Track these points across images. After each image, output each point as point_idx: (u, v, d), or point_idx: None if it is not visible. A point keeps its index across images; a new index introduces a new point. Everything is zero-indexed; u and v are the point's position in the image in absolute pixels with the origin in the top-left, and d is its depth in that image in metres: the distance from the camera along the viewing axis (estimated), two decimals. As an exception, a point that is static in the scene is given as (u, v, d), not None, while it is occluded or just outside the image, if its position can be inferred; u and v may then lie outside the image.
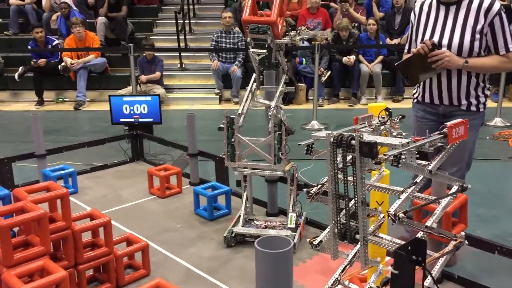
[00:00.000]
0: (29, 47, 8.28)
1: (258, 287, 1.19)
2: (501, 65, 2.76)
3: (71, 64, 8.05)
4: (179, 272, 3.03)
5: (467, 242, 1.89)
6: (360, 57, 8.00)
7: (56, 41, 8.41)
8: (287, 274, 1.17)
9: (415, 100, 3.03)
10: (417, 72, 2.80)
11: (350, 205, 1.90)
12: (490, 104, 7.24)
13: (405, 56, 3.01)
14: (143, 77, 7.72)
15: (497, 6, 2.68)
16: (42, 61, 8.11)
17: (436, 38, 2.75)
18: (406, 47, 3.04)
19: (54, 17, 9.20)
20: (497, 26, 2.68)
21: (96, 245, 2.86)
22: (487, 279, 2.78)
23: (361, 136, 1.68)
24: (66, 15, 8.85)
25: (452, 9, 2.75)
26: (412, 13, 2.98)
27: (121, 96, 5.42)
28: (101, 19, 8.93)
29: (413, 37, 2.94)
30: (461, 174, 2.93)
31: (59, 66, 8.15)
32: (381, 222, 2.06)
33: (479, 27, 2.68)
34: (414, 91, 3.05)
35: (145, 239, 3.13)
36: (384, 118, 2.07)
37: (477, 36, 2.69)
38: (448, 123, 1.81)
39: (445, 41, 2.74)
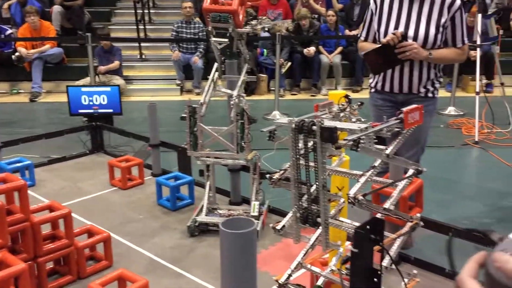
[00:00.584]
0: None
1: (223, 268, 1.21)
2: (457, 57, 2.93)
3: (27, 54, 7.77)
4: (142, 263, 3.02)
5: (422, 224, 1.96)
6: (320, 48, 8.11)
7: (9, 31, 8.09)
8: (251, 254, 1.19)
9: (373, 90, 3.08)
10: (382, 62, 2.85)
11: (312, 190, 1.95)
12: (444, 94, 7.57)
13: (362, 44, 3.06)
14: (102, 68, 7.55)
15: (459, 1, 2.79)
16: None
17: (401, 30, 2.78)
18: (363, 34, 3.06)
19: (5, 5, 8.84)
20: (458, 20, 2.81)
21: (56, 237, 2.81)
22: (442, 260, 2.90)
23: (322, 122, 1.72)
24: (23, 2, 8.51)
25: (417, 1, 2.82)
26: (372, 2, 2.98)
27: (79, 87, 5.30)
28: (56, 8, 8.66)
29: (375, 26, 2.97)
30: (417, 157, 3.05)
31: (13, 56, 7.85)
32: (341, 207, 2.12)
33: (443, 20, 2.78)
34: (371, 81, 3.10)
35: (107, 231, 3.09)
36: (343, 105, 2.12)
37: (441, 29, 2.79)
38: (404, 109, 1.88)
39: (411, 33, 2.80)
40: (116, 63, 7.71)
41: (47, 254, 2.66)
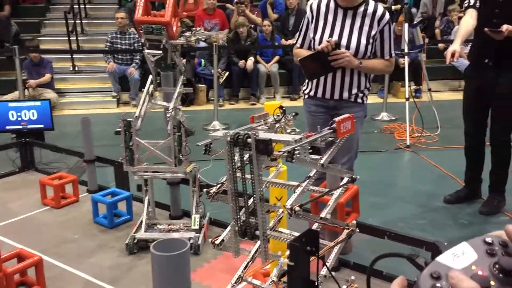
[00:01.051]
0: None
1: (156, 291, 1.17)
2: (384, 68, 3.09)
3: None
4: (78, 285, 2.89)
5: (358, 230, 2.01)
6: (258, 57, 8.19)
7: None
8: (184, 276, 1.16)
9: (307, 96, 3.18)
10: (316, 68, 2.96)
11: (250, 202, 1.94)
12: (377, 100, 7.85)
13: (298, 51, 3.15)
14: (32, 82, 7.20)
15: (388, 16, 2.97)
16: None
17: (334, 39, 2.90)
18: (299, 41, 3.15)
19: None
20: (386, 34, 2.98)
21: (-18, 264, 2.63)
22: (380, 263, 2.98)
23: (257, 134, 1.72)
24: None
25: (350, 13, 2.95)
26: (308, 9, 3.11)
27: (6, 102, 5.02)
28: (-20, 19, 8.21)
29: (310, 34, 3.07)
30: (351, 163, 3.16)
31: None
32: (280, 217, 2.13)
33: (373, 32, 2.94)
34: (305, 88, 3.20)
35: (39, 254, 2.94)
36: (278, 116, 2.14)
37: (371, 40, 2.94)
38: (336, 119, 1.92)
39: (343, 42, 2.93)
40: (47, 77, 7.39)
41: (-28, 283, 2.48)
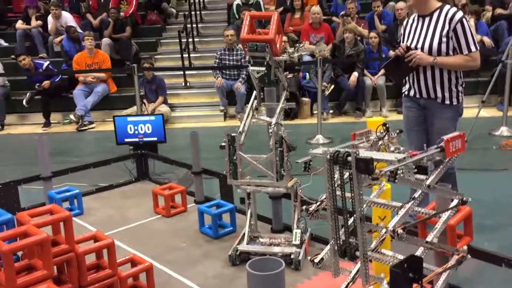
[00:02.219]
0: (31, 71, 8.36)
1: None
2: (465, 63, 3.34)
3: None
4: (184, 292, 3.02)
5: (470, 256, 1.86)
6: (364, 70, 8.00)
7: (45, 63, 8.46)
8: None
9: (404, 95, 3.66)
10: (398, 70, 3.52)
11: (350, 221, 1.89)
12: (496, 113, 7.27)
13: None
14: (150, 108, 7.74)
15: (458, 15, 3.30)
16: (46, 83, 8.19)
17: (414, 44, 3.43)
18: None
19: (58, 39, 9.33)
20: (459, 31, 3.28)
21: (100, 267, 2.85)
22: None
23: (357, 153, 1.67)
24: (75, 38, 8.96)
25: (426, 20, 3.42)
26: (402, 27, 3.71)
27: (125, 116, 5.46)
28: (105, 41, 9.05)
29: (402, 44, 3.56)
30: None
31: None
32: (383, 238, 2.05)
33: (444, 32, 3.31)
34: (404, 88, 3.66)
35: (150, 259, 3.13)
36: (382, 133, 2.06)
37: (444, 39, 3.30)
38: (445, 137, 1.80)
39: (419, 45, 3.40)
40: (160, 99, 7.93)
41: (91, 284, 2.70)
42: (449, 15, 3.29)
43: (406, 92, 3.60)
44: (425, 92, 3.40)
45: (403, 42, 3.52)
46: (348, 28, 7.82)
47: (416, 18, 3.50)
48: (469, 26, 3.33)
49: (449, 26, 3.28)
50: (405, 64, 3.38)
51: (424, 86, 3.40)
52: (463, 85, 3.43)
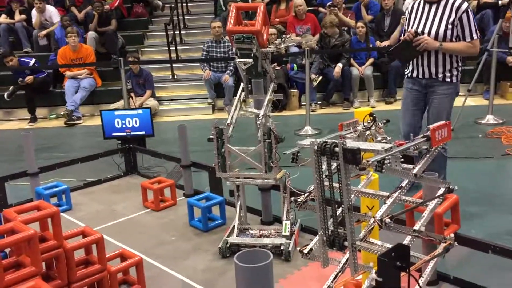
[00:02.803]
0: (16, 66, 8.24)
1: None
2: (466, 49, 3.69)
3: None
4: (174, 286, 3.02)
5: (457, 244, 1.88)
6: (351, 60, 8.02)
7: (32, 61, 8.33)
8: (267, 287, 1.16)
9: (406, 76, 3.97)
10: (406, 54, 3.81)
11: (339, 212, 1.90)
12: (482, 101, 7.34)
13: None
14: (137, 102, 7.67)
15: (465, 5, 3.62)
16: (29, 79, 8.05)
17: (420, 29, 3.71)
18: (402, 37, 3.91)
19: (41, 34, 9.22)
20: (465, 20, 3.61)
21: (90, 262, 2.84)
22: (484, 279, 2.77)
23: (344, 143, 1.68)
24: (67, 26, 8.80)
25: (433, 6, 3.71)
26: (406, 10, 4.00)
27: (113, 111, 5.41)
28: (91, 34, 8.94)
29: (406, 28, 3.88)
30: None
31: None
32: (371, 227, 2.06)
33: (451, 20, 3.62)
34: (406, 70, 3.98)
35: (139, 254, 3.12)
36: (369, 123, 2.07)
37: (449, 26, 3.62)
38: (431, 126, 1.81)
39: (426, 30, 3.70)
40: (148, 93, 7.86)
41: (81, 280, 2.69)
42: (456, 5, 3.60)
43: (410, 74, 3.90)
44: (427, 73, 3.73)
45: (408, 26, 3.81)
46: (325, 24, 7.78)
47: (422, 3, 3.76)
48: (473, 15, 3.65)
49: (456, 15, 3.59)
50: (413, 48, 3.66)
51: (427, 68, 3.72)
52: (460, 68, 3.81)
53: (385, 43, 8.06)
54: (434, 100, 3.81)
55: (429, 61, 3.72)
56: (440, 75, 3.72)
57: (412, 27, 3.77)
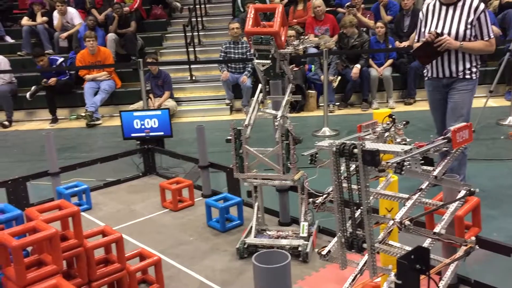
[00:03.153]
0: (38, 68, 8.41)
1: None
2: (485, 48, 3.82)
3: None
4: (192, 286, 3.04)
5: (478, 247, 1.85)
6: (370, 61, 7.96)
7: (60, 60, 8.50)
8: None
9: (426, 78, 4.07)
10: (426, 55, 3.86)
11: (357, 214, 1.89)
12: (504, 102, 7.21)
13: (415, 45, 4.03)
14: (156, 103, 7.74)
15: (482, 6, 3.78)
16: (52, 81, 8.22)
17: (439, 29, 3.80)
18: (416, 38, 4.11)
19: (63, 35, 9.37)
20: (482, 20, 3.77)
21: (109, 261, 2.88)
22: (505, 283, 2.72)
23: (363, 145, 1.67)
24: (92, 27, 8.94)
25: (451, 8, 3.83)
26: (421, 12, 4.07)
27: (132, 112, 5.47)
28: (111, 36, 9.06)
29: (422, 30, 3.98)
30: None
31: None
32: (390, 229, 2.04)
33: (469, 20, 3.76)
34: (425, 72, 4.08)
35: (158, 253, 3.14)
36: (388, 124, 2.05)
37: (469, 26, 3.76)
38: (451, 128, 1.79)
39: (446, 31, 3.80)
40: (166, 95, 7.92)
41: (101, 278, 2.72)
42: (474, 5, 3.75)
43: (430, 75, 4.00)
44: (448, 72, 3.84)
45: (425, 28, 3.91)
46: (344, 24, 7.74)
47: (438, 5, 3.88)
48: (489, 15, 3.82)
49: (474, 15, 3.73)
50: (434, 48, 3.74)
51: (448, 67, 3.84)
52: (479, 66, 3.92)
53: (405, 43, 7.99)
54: (454, 96, 3.90)
55: (449, 60, 3.82)
56: (461, 73, 3.82)
57: (429, 28, 3.86)
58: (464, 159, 3.91)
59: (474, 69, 3.86)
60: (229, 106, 8.23)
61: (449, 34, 3.77)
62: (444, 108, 4.04)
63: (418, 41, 4.06)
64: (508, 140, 5.71)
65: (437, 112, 4.13)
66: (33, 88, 8.44)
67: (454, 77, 3.86)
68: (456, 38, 3.76)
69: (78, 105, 8.56)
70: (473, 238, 1.85)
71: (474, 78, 3.88)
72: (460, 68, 3.82)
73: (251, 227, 3.45)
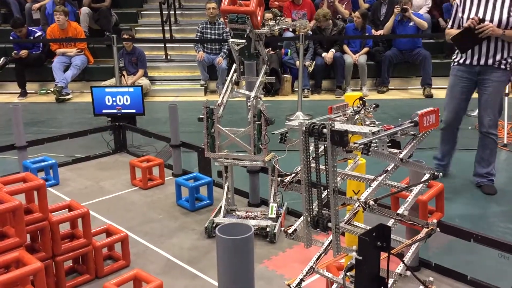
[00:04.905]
0: (11, 38, 8.16)
1: (219, 274, 1.19)
2: None
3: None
4: (159, 263, 3.03)
5: (438, 229, 1.90)
6: (345, 47, 8.00)
7: (38, 33, 8.28)
8: (247, 261, 1.17)
9: (456, 64, 3.98)
10: (467, 41, 3.77)
11: (324, 194, 1.91)
12: (473, 94, 7.32)
13: (449, 31, 3.99)
14: (129, 81, 7.60)
15: None
16: (23, 53, 7.99)
17: (481, 15, 3.69)
18: (450, 23, 4.04)
19: (36, 5, 9.07)
20: None
21: (75, 236, 2.85)
22: (464, 266, 2.81)
23: (332, 125, 1.68)
24: (59, 2, 8.68)
25: None
26: None
27: (103, 87, 5.37)
28: (84, 10, 8.83)
29: (459, 15, 3.90)
30: (496, 120, 3.94)
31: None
32: (356, 211, 2.07)
33: None
34: (454, 57, 4.01)
35: (125, 230, 3.12)
36: (358, 107, 2.07)
37: (511, 14, 3.67)
38: (419, 112, 1.82)
39: (487, 17, 3.71)
40: (140, 73, 7.79)
41: (65, 253, 2.70)
42: None
43: (461, 61, 3.91)
44: (484, 60, 3.78)
45: (462, 13, 3.83)
46: (317, 18, 7.74)
47: None
48: None
49: None
50: (475, 35, 3.66)
51: (485, 55, 3.76)
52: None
53: (381, 32, 8.05)
54: (487, 87, 3.86)
55: (488, 48, 3.75)
56: (497, 62, 3.77)
57: (468, 14, 3.78)
58: (494, 149, 3.99)
59: (509, 60, 3.80)
60: (203, 87, 8.17)
61: (491, 21, 3.68)
62: (462, 98, 3.98)
63: (452, 27, 3.98)
64: (475, 130, 5.84)
65: (453, 100, 4.03)
66: (2, 59, 8.17)
67: (489, 65, 3.79)
68: (499, 25, 3.68)
69: (49, 80, 8.32)
70: (435, 221, 1.90)
71: (508, 68, 3.83)
72: (498, 57, 3.75)
73: (221, 207, 3.46)
